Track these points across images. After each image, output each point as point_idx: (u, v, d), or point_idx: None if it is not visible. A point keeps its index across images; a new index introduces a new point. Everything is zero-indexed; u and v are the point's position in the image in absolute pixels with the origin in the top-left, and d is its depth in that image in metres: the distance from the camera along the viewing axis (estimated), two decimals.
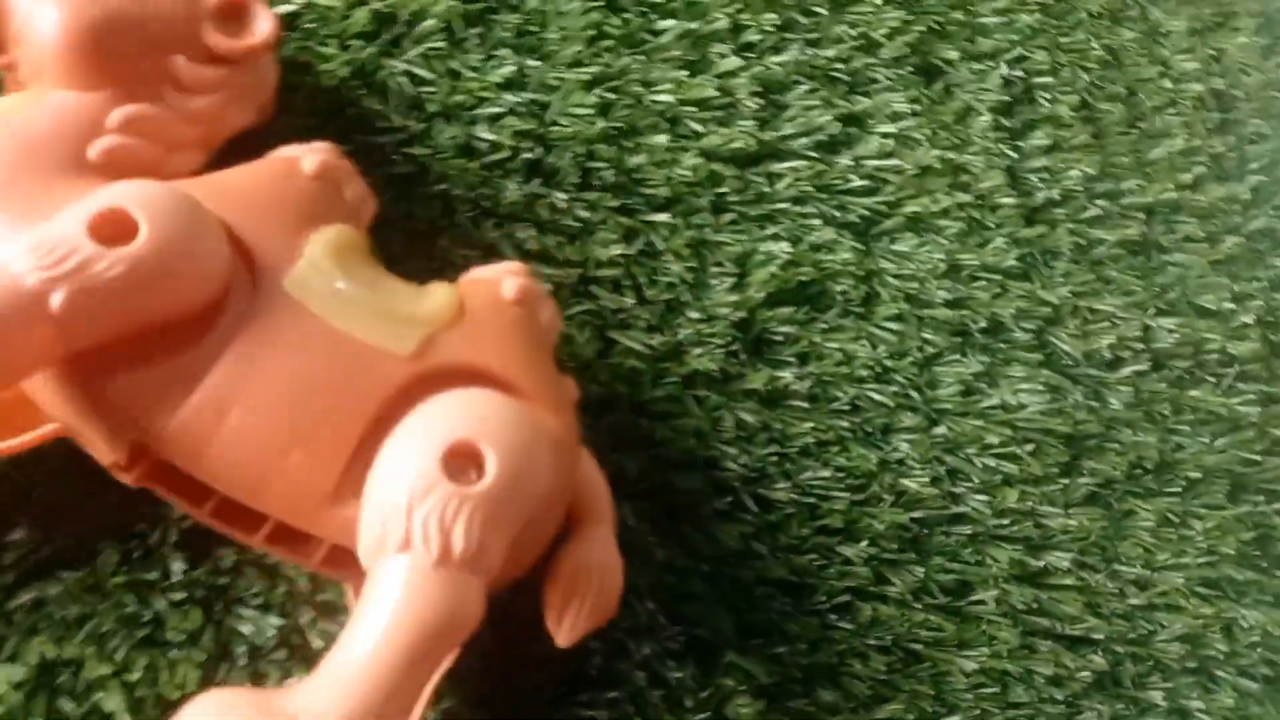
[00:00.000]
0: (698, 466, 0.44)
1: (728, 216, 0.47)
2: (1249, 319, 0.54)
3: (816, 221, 0.48)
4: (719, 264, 0.47)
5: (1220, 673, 0.49)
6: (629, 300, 0.45)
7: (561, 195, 0.45)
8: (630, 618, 0.42)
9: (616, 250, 0.45)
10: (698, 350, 0.45)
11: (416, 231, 0.43)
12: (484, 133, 0.45)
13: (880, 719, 0.44)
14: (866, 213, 0.49)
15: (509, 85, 0.46)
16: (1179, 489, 0.50)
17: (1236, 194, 0.56)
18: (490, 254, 0.43)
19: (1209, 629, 0.49)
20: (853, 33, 0.52)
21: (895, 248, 0.49)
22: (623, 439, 0.44)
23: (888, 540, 0.46)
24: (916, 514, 0.46)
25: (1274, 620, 0.50)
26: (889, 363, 0.48)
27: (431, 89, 0.45)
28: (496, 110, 0.45)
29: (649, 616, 0.42)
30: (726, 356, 0.46)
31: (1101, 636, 0.48)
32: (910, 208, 0.50)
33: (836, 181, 0.49)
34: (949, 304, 0.49)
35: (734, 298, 0.46)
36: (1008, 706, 0.46)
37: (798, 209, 0.48)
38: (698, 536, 0.44)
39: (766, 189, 0.48)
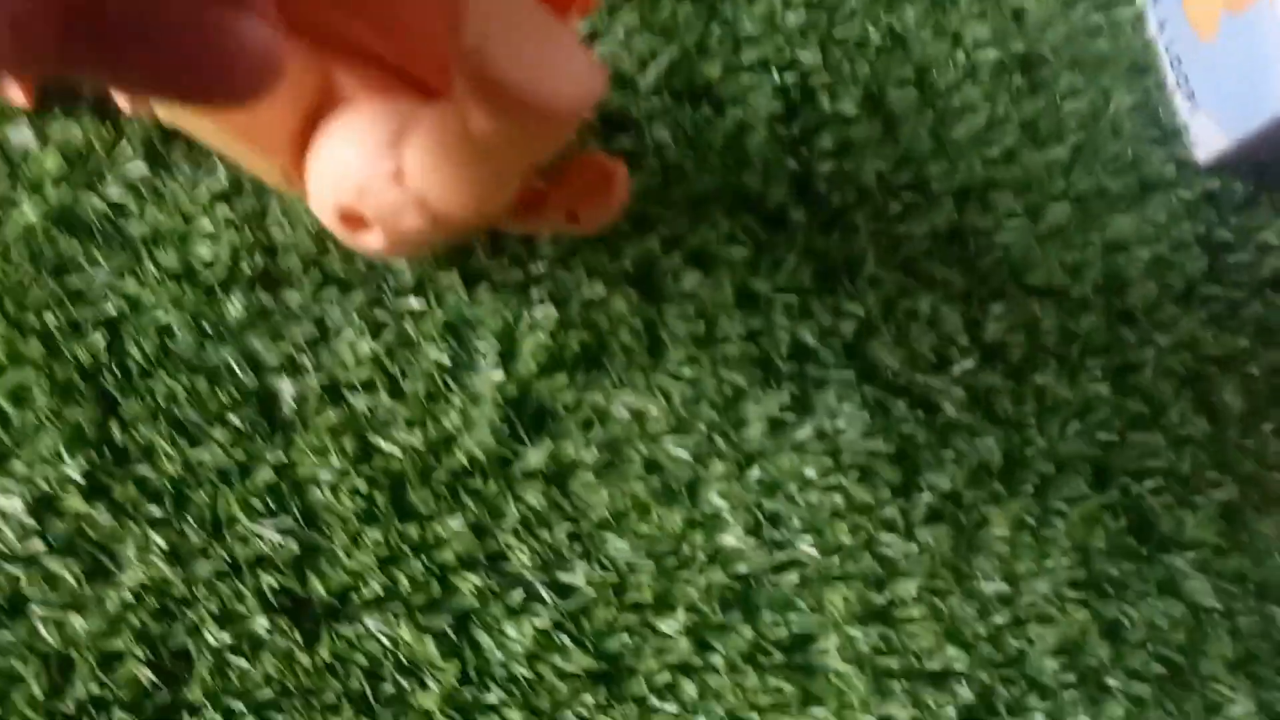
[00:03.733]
0: (478, 565, 0.42)
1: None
2: (1087, 289, 0.51)
3: (583, 273, 0.46)
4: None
5: (1108, 680, 0.46)
6: (385, 398, 0.43)
7: (297, 295, 0.43)
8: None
9: (365, 348, 0.43)
10: (466, 436, 0.43)
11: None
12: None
13: None
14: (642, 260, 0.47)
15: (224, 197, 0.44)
16: (1033, 487, 0.47)
17: (1056, 157, 0.53)
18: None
19: (1087, 635, 0.46)
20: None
21: (681, 287, 0.47)
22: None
23: (708, 604, 0.43)
24: (737, 569, 0.44)
25: (1160, 611, 0.47)
26: (684, 412, 0.45)
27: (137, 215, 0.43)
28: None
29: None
30: (499, 439, 0.43)
31: (964, 667, 0.44)
32: (691, 242, 0.47)
33: None
34: (745, 338, 0.46)
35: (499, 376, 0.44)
36: None
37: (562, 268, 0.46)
38: (488, 641, 0.41)
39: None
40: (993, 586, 0.46)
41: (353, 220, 0.36)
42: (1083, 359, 0.50)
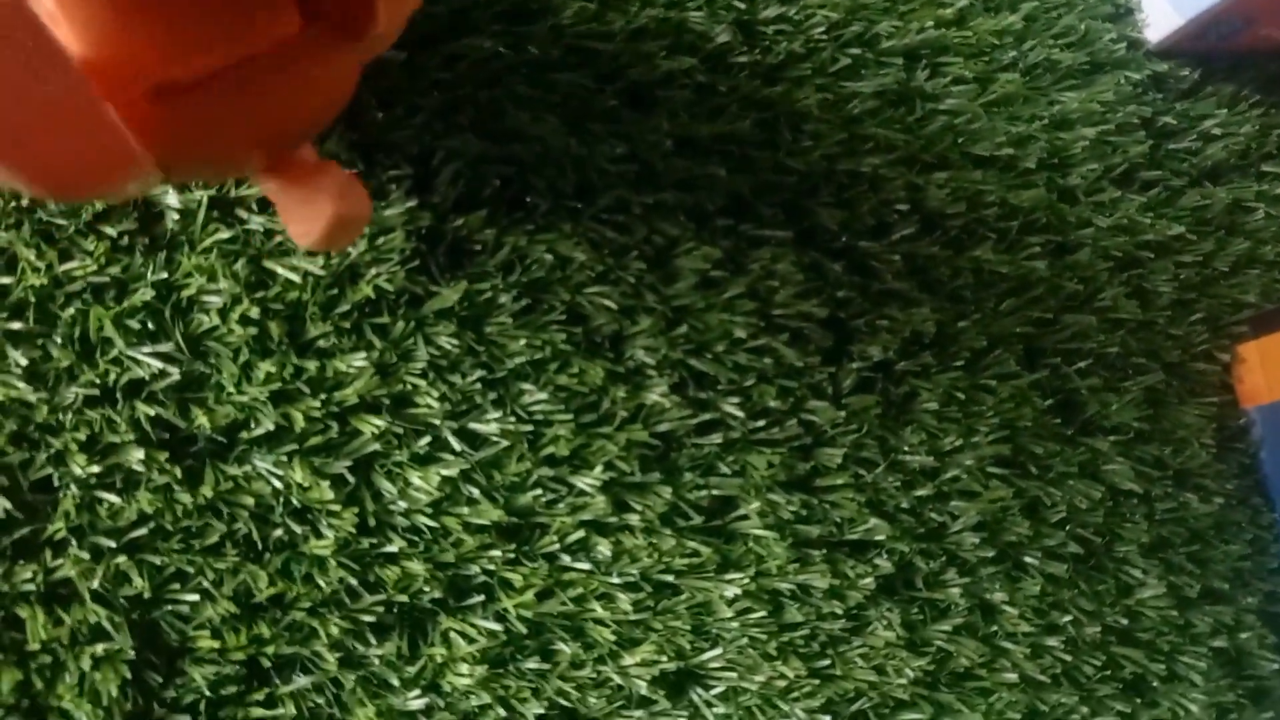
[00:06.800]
0: (382, 407, 0.39)
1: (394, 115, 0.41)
2: (1031, 164, 0.49)
3: (509, 103, 0.42)
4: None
5: (1026, 557, 0.45)
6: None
7: None
8: (314, 589, 0.36)
9: None
10: (374, 268, 0.39)
11: None
12: None
13: (629, 665, 0.39)
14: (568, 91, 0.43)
15: None
16: (964, 362, 0.46)
17: (1008, 25, 0.51)
18: None
19: (1008, 512, 0.45)
20: None
21: (615, 127, 0.44)
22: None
23: (626, 463, 0.41)
24: (659, 428, 0.41)
25: (1081, 492, 0.46)
26: (612, 260, 0.42)
27: None
28: None
29: (336, 588, 0.37)
30: (409, 275, 0.40)
31: (884, 537, 0.43)
32: (627, 80, 0.44)
33: (533, 54, 0.43)
34: (678, 185, 0.44)
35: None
36: (781, 630, 0.41)
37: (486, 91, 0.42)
38: (390, 488, 0.38)
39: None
40: (918, 459, 0.45)
41: None
42: (1022, 235, 0.49)
